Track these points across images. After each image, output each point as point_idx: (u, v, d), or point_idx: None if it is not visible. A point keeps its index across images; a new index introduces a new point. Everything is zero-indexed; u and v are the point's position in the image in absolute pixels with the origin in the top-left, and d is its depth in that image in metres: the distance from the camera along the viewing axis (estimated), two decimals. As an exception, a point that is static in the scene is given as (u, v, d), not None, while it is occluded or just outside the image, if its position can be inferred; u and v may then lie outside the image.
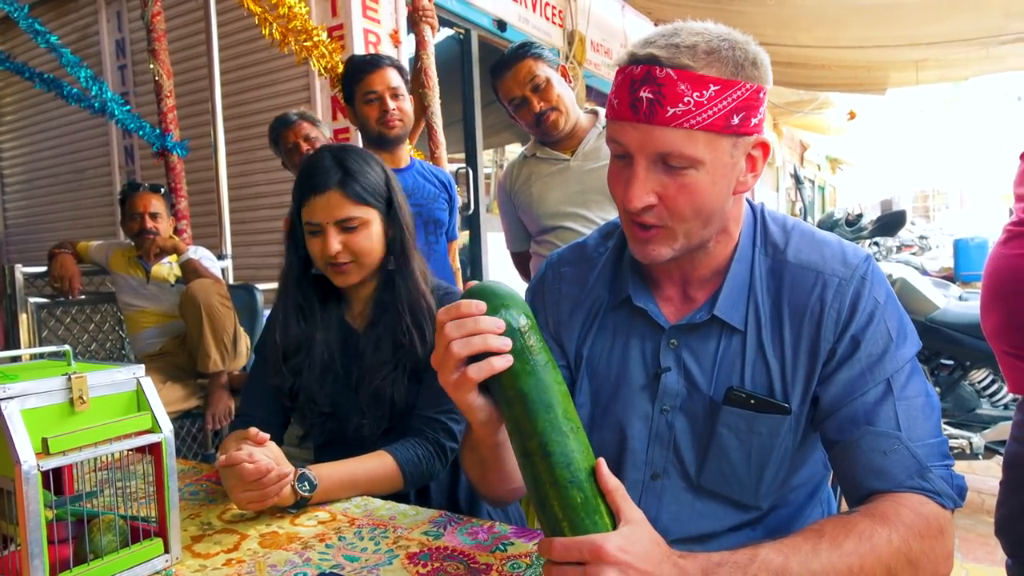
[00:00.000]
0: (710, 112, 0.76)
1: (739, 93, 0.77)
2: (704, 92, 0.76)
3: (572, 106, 2.06)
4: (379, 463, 1.17)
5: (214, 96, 3.42)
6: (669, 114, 0.76)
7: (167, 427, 0.90)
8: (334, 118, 3.53)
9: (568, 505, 0.69)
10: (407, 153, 2.27)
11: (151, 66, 3.18)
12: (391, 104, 2.08)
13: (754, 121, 0.80)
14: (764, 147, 0.84)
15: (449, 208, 2.31)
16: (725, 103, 0.76)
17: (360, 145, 2.57)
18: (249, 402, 1.36)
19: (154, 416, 0.90)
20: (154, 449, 0.89)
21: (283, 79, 3.78)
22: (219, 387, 2.46)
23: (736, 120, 0.78)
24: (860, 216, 3.99)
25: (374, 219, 1.26)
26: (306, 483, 1.06)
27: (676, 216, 0.82)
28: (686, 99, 0.75)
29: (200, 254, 2.62)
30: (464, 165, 4.28)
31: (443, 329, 0.76)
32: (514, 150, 7.28)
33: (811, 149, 14.65)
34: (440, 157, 3.12)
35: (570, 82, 2.11)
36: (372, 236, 1.26)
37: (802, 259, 0.88)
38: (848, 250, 0.88)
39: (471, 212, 4.27)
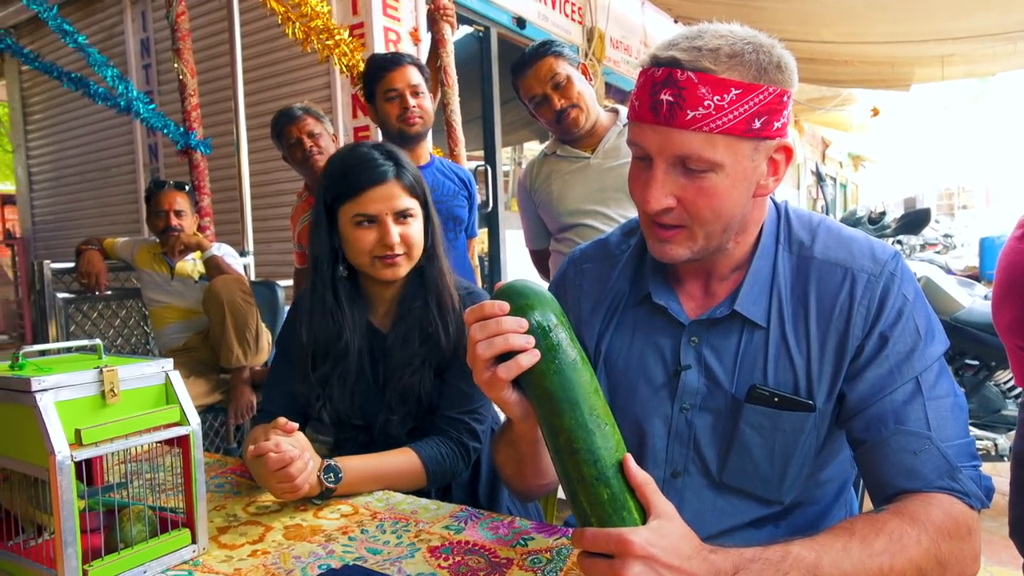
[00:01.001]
0: (730, 116, 0.76)
1: (761, 97, 0.77)
2: (725, 96, 0.76)
3: (592, 104, 2.06)
4: (404, 459, 1.18)
5: (237, 94, 3.46)
6: (689, 117, 0.76)
7: (195, 420, 0.92)
8: (354, 116, 3.56)
9: (595, 501, 0.69)
10: (427, 151, 2.29)
11: (175, 65, 3.22)
12: (412, 102, 2.09)
13: (777, 125, 0.79)
14: (787, 151, 0.83)
15: (469, 205, 2.32)
16: (746, 107, 0.76)
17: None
18: (270, 397, 1.37)
19: (182, 409, 0.91)
20: (182, 441, 0.91)
21: (304, 77, 3.81)
22: (241, 382, 2.49)
23: (758, 124, 0.77)
24: (883, 214, 3.95)
25: (419, 212, 1.28)
26: (332, 474, 1.07)
27: (695, 218, 0.82)
28: (706, 103, 0.76)
29: (224, 251, 2.65)
30: (483, 162, 4.29)
31: (469, 330, 0.78)
32: (532, 148, 7.28)
33: (833, 146, 14.47)
34: (459, 154, 3.14)
35: (590, 80, 2.11)
36: (420, 228, 1.28)
37: (830, 255, 0.88)
38: (876, 247, 0.88)
39: (490, 209, 4.28)
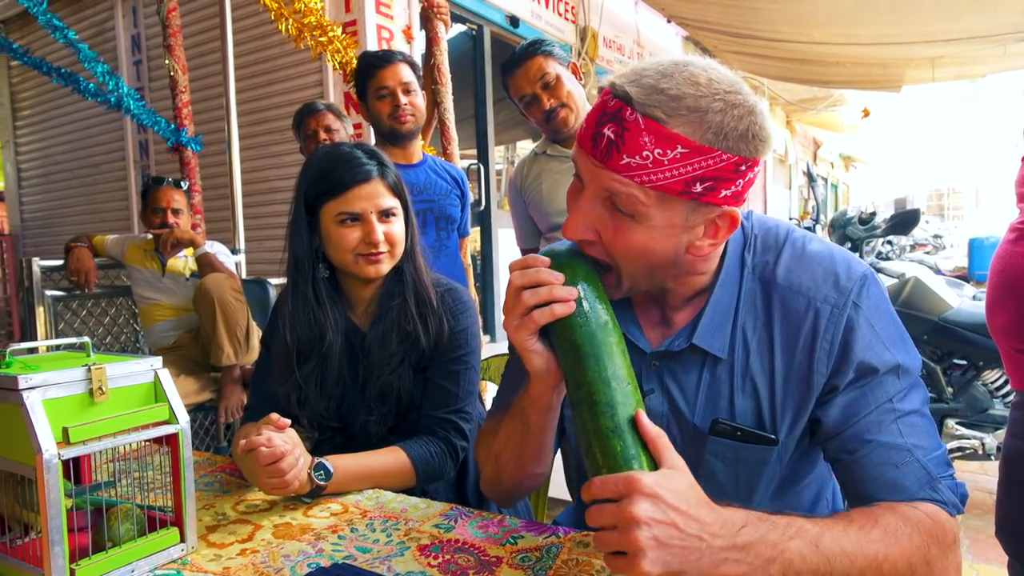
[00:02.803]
0: (668, 174, 0.72)
1: (709, 162, 0.72)
2: (668, 151, 0.71)
3: (582, 103, 2.06)
4: (393, 458, 1.18)
5: (228, 91, 3.44)
6: (623, 162, 0.72)
7: (184, 418, 0.91)
8: (347, 114, 3.55)
9: (608, 453, 0.71)
10: (419, 149, 2.28)
11: (166, 61, 3.21)
12: (403, 99, 2.09)
13: (724, 193, 0.74)
14: (732, 220, 0.78)
15: (461, 204, 2.32)
16: (689, 168, 0.72)
17: (373, 141, 2.59)
18: (257, 395, 1.36)
19: (171, 407, 0.91)
20: (171, 440, 0.91)
21: (296, 75, 3.80)
22: (232, 381, 2.48)
23: (699, 188, 0.73)
24: (874, 214, 3.96)
25: (400, 212, 1.29)
26: (322, 471, 1.07)
27: (616, 258, 0.79)
28: (645, 152, 0.71)
29: (216, 249, 2.64)
30: (476, 161, 4.29)
31: (511, 275, 0.80)
32: (525, 147, 7.27)
33: (824, 147, 14.55)
34: (452, 153, 3.13)
35: (581, 79, 2.11)
36: (402, 228, 1.29)
37: (792, 281, 0.84)
38: (841, 270, 0.83)
39: (483, 208, 4.28)
